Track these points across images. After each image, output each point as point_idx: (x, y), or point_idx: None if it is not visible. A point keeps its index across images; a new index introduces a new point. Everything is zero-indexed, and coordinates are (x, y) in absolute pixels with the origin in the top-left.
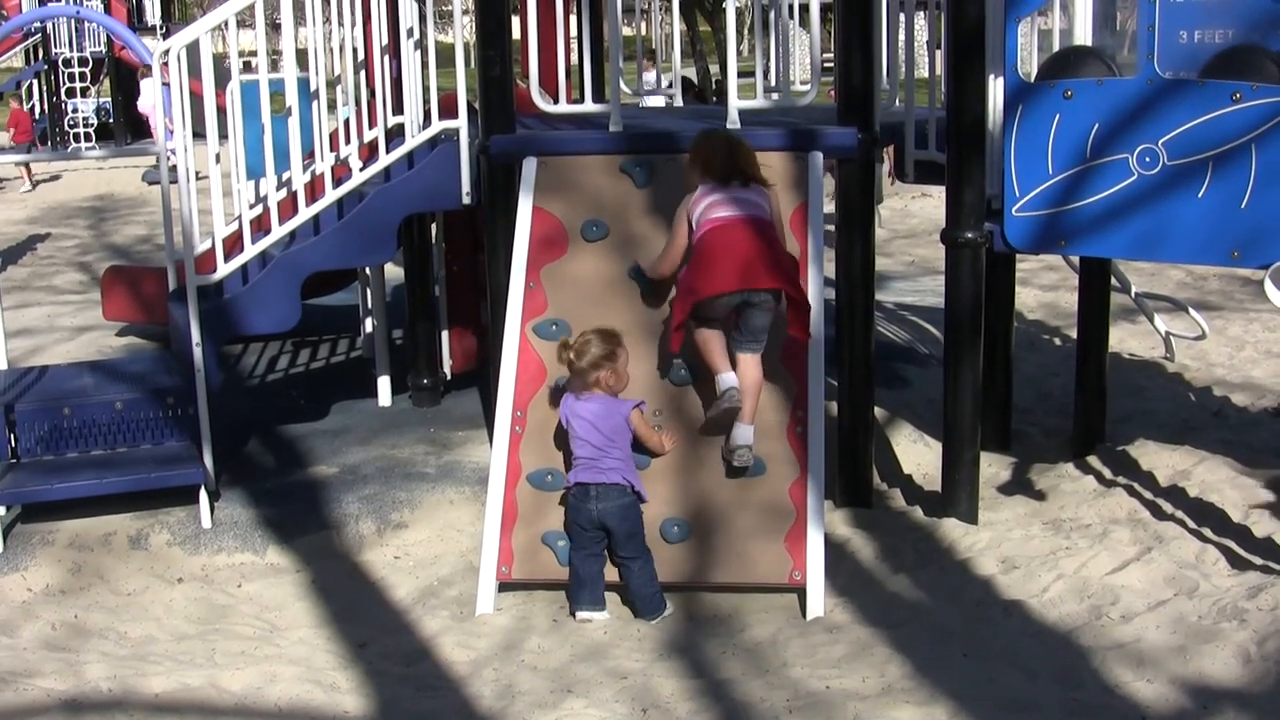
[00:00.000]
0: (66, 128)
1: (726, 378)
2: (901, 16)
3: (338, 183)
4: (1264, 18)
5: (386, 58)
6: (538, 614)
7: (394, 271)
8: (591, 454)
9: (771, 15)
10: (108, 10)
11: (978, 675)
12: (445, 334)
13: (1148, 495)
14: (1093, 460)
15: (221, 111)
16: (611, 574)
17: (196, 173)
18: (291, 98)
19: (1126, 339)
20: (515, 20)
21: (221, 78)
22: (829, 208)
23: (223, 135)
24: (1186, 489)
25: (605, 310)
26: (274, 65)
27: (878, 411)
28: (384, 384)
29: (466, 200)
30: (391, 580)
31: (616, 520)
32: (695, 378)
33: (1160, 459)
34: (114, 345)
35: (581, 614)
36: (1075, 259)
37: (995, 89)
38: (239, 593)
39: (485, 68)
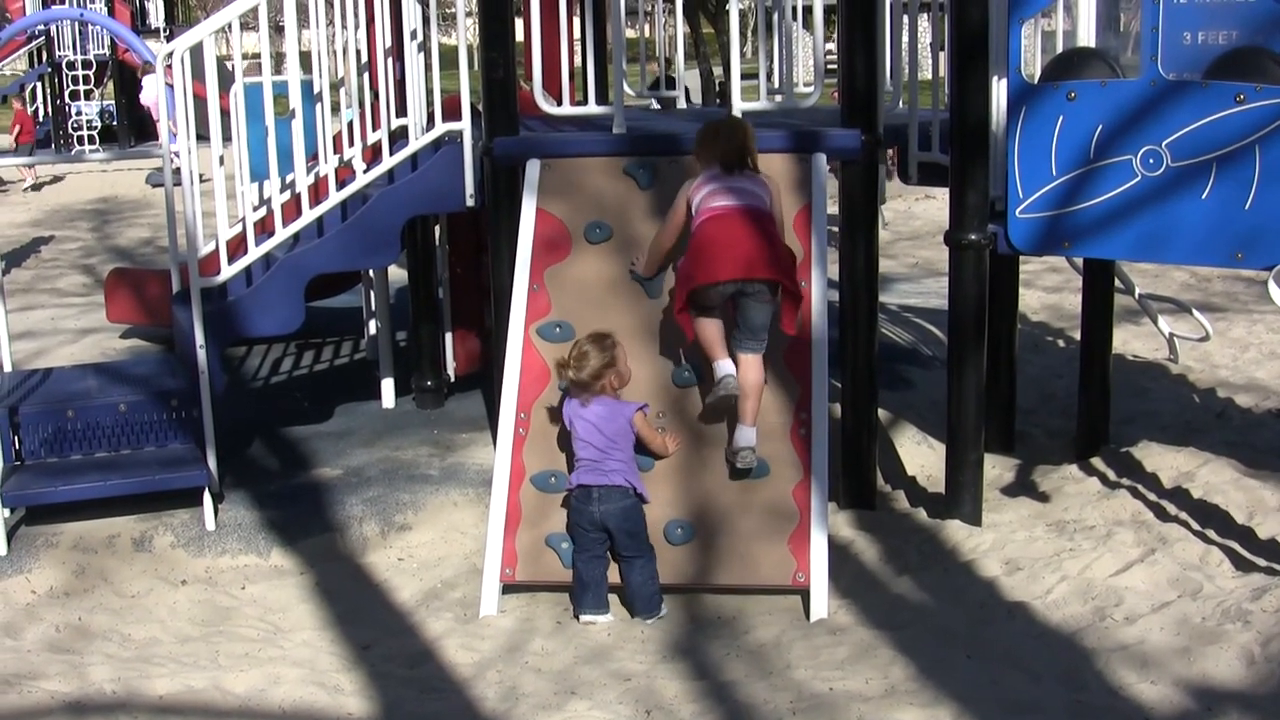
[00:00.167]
0: (70, 130)
1: (724, 364)
2: (905, 18)
3: (341, 185)
4: (1268, 19)
5: (390, 60)
6: (541, 616)
7: (398, 274)
8: (594, 456)
9: (775, 17)
10: (111, 13)
11: (981, 677)
12: (449, 336)
13: (1151, 497)
14: (1096, 462)
15: (225, 114)
16: (614, 575)
17: (200, 175)
18: (295, 100)
19: (1130, 340)
20: (518, 22)
21: (225, 80)
22: (832, 209)
23: (226, 138)
24: (1190, 490)
25: (608, 312)
26: (278, 68)
27: (881, 413)
28: (388, 386)
29: (470, 202)
30: (395, 582)
31: (617, 522)
32: (699, 379)
33: (1164, 460)
34: (118, 347)
35: (585, 617)
36: (1079, 260)
37: (999, 90)
38: (243, 595)
39: (489, 70)
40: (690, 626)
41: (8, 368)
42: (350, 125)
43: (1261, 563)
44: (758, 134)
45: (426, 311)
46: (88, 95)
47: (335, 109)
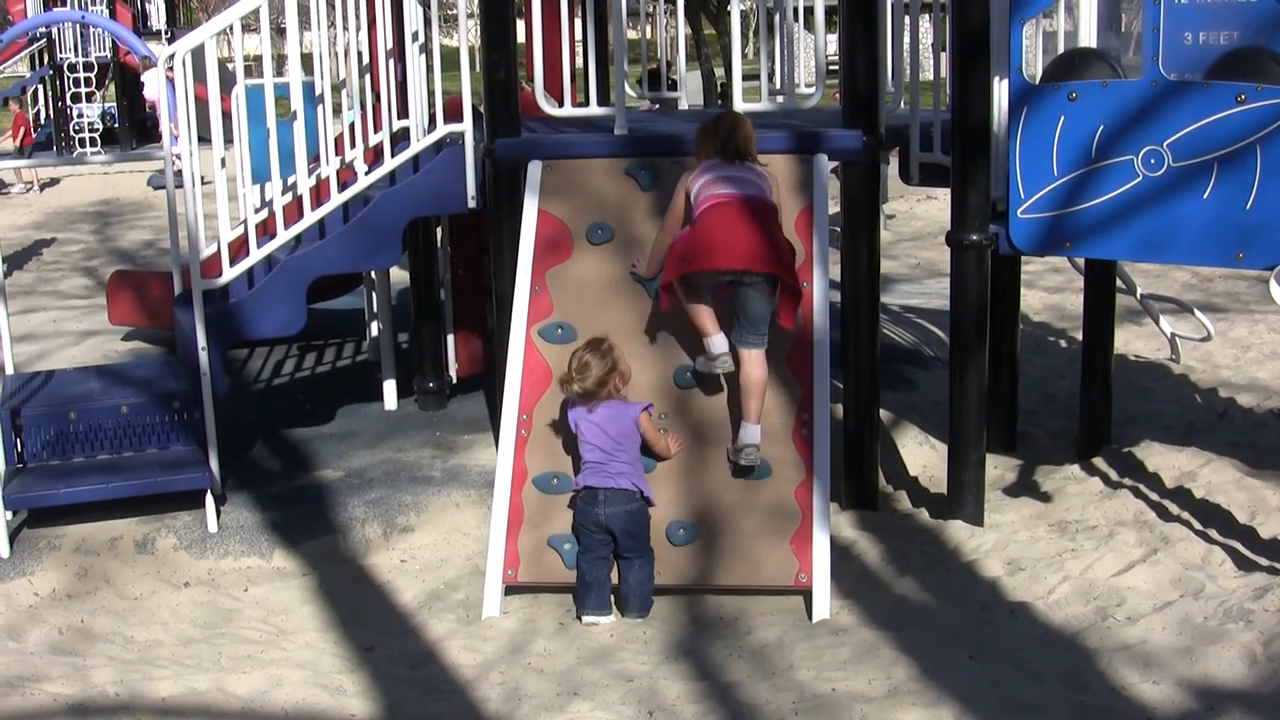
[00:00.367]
0: (72, 133)
1: (717, 341)
2: (906, 19)
3: (343, 187)
4: (1269, 20)
5: (391, 61)
6: (544, 617)
7: (399, 275)
8: (599, 457)
9: (776, 18)
10: (113, 15)
11: (984, 677)
12: (451, 337)
13: (1153, 497)
14: (1098, 462)
15: (227, 116)
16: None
17: (202, 177)
18: (296, 102)
19: (1132, 341)
20: (520, 23)
21: (226, 82)
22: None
23: (228, 140)
24: (1192, 490)
25: (610, 313)
26: (279, 69)
27: (883, 414)
28: (389, 388)
29: (472, 204)
30: (397, 584)
31: (622, 524)
32: (700, 381)
33: (1166, 460)
34: (119, 350)
35: (588, 618)
36: (1080, 261)
37: (1000, 91)
38: (245, 596)
39: (490, 71)
40: (692, 627)
41: (10, 370)
42: (352, 127)
43: (1263, 562)
44: (759, 135)
45: (428, 313)
46: (89, 98)
47: (337, 111)
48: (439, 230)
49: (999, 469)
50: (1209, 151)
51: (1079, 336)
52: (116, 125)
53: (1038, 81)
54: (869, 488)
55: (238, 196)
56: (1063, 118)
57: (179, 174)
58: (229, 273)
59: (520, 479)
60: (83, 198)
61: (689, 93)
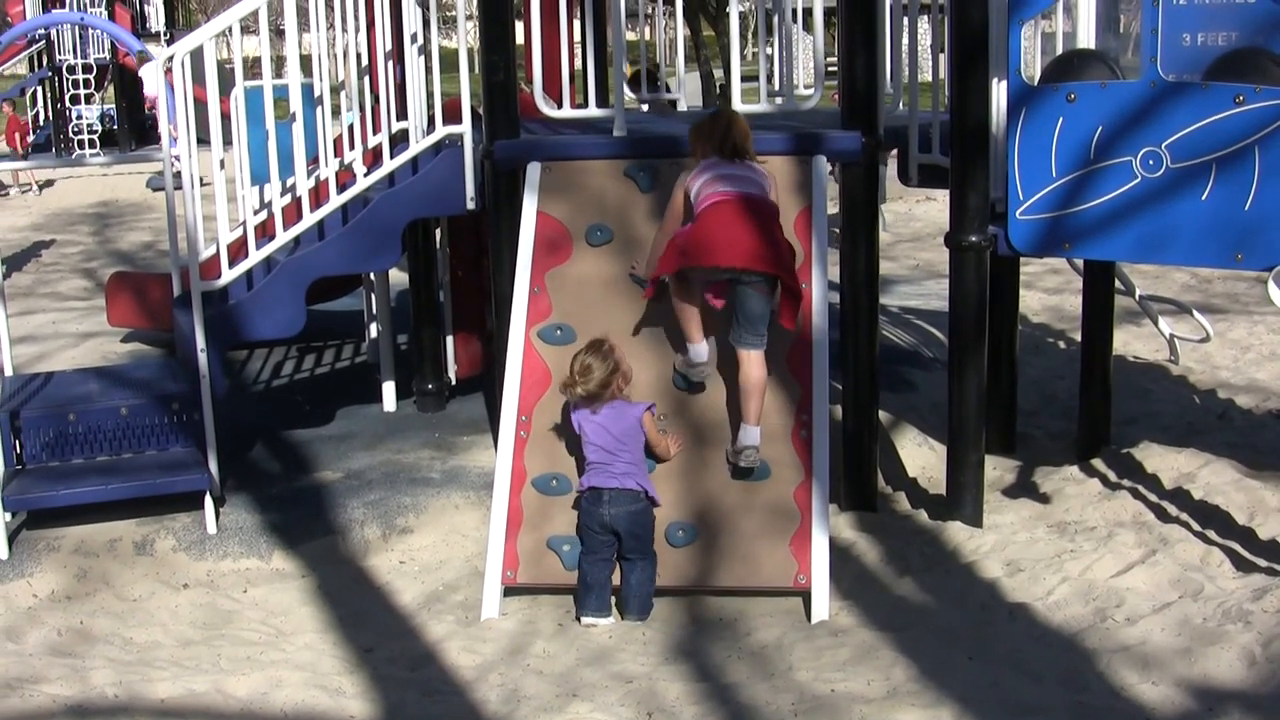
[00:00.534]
0: (71, 134)
1: (699, 349)
2: (905, 20)
3: (342, 188)
4: (1267, 20)
5: (390, 63)
6: (543, 618)
7: (399, 277)
8: (603, 458)
9: (775, 19)
10: (112, 17)
11: (983, 678)
12: (450, 339)
13: (1152, 498)
14: (1097, 463)
15: (226, 118)
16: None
17: (201, 179)
18: (296, 103)
19: (1131, 342)
20: (519, 25)
21: (225, 83)
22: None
23: (227, 141)
24: (1191, 491)
25: (609, 314)
26: (278, 71)
27: (882, 415)
28: (389, 389)
29: (471, 205)
30: (397, 585)
31: (627, 525)
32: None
33: (1165, 461)
34: (119, 351)
35: (587, 619)
36: (1079, 262)
37: (999, 92)
38: (244, 598)
39: (489, 73)
40: (692, 628)
41: (9, 372)
42: (351, 128)
43: (1262, 563)
44: (758, 136)
45: (427, 314)
46: (88, 99)
47: (336, 112)
48: (438, 232)
49: (998, 470)
50: (1207, 152)
51: (1078, 337)
52: (115, 127)
53: (1036, 83)
54: (868, 489)
55: (237, 198)
56: (1061, 119)
57: (178, 176)
58: (228, 274)
59: (519, 480)
60: (82, 199)
61: (688, 94)
